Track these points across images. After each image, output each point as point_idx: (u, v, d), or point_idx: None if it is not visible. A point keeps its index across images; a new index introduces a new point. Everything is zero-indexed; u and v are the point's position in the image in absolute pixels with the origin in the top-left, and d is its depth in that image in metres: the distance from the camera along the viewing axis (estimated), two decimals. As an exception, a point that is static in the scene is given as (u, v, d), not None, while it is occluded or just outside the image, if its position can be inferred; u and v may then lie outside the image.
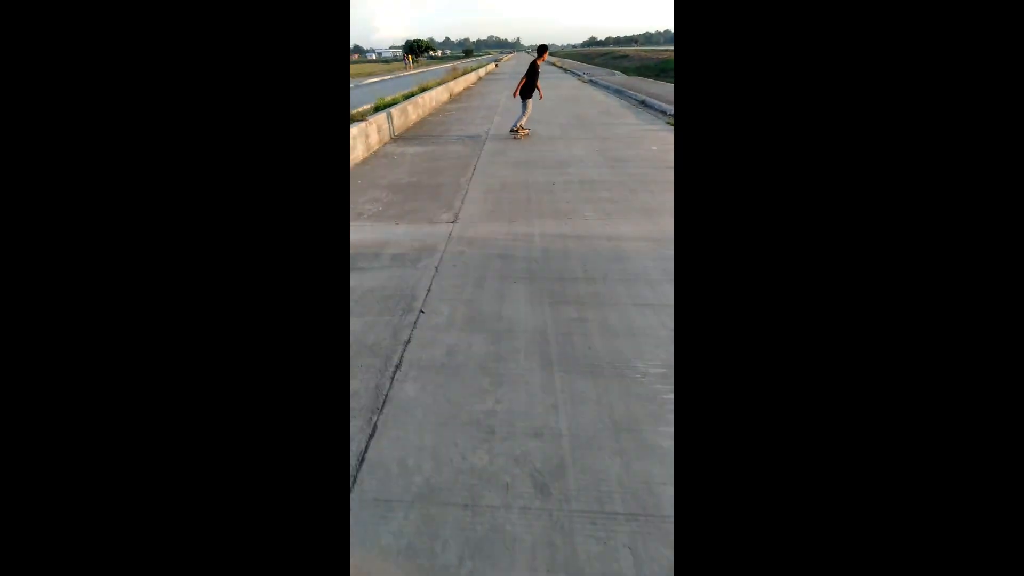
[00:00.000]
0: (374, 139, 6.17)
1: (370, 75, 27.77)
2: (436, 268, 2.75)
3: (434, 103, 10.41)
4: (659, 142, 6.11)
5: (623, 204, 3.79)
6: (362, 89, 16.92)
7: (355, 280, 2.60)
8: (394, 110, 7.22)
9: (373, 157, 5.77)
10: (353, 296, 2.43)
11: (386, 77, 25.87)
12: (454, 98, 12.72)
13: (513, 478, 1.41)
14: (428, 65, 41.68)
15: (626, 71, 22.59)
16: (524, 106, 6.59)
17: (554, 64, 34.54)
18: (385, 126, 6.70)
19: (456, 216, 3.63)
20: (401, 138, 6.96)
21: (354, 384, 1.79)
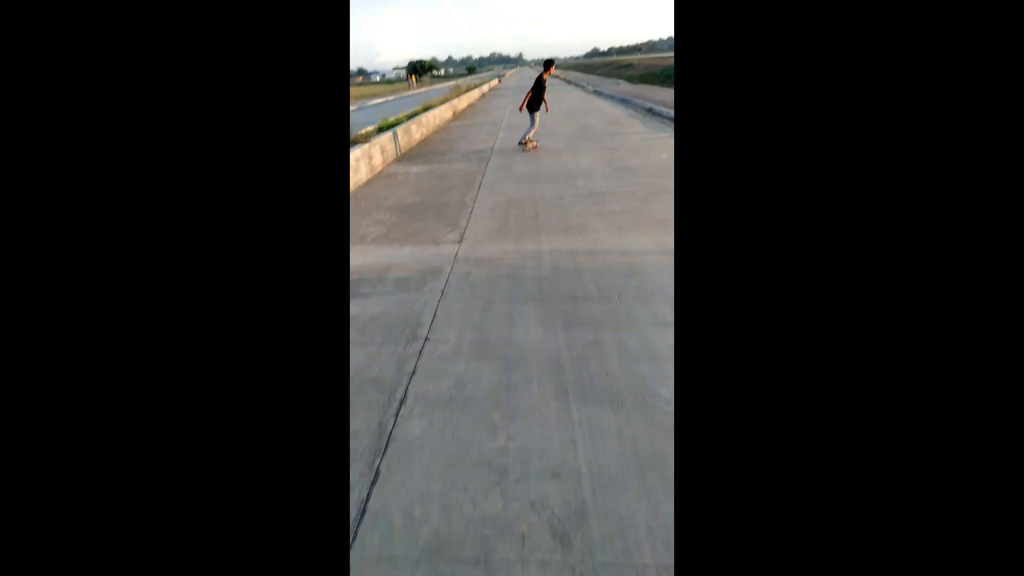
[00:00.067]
0: (378, 160, 6.18)
1: (373, 96, 28.31)
2: (442, 291, 2.65)
3: (438, 121, 10.47)
4: (669, 150, 5.99)
5: (635, 216, 3.67)
6: (366, 111, 17.19)
7: (357, 307, 2.51)
8: (398, 130, 7.25)
9: (377, 178, 5.75)
10: (355, 325, 2.33)
11: (390, 98, 26.36)
12: (458, 115, 12.82)
13: (529, 527, 1.28)
14: (431, 84, 42.45)
15: (631, 79, 22.63)
16: (532, 119, 6.65)
17: (557, 76, 34.79)
18: (389, 146, 6.72)
19: (462, 236, 3.55)
20: (405, 158, 6.96)
21: (355, 423, 1.68)
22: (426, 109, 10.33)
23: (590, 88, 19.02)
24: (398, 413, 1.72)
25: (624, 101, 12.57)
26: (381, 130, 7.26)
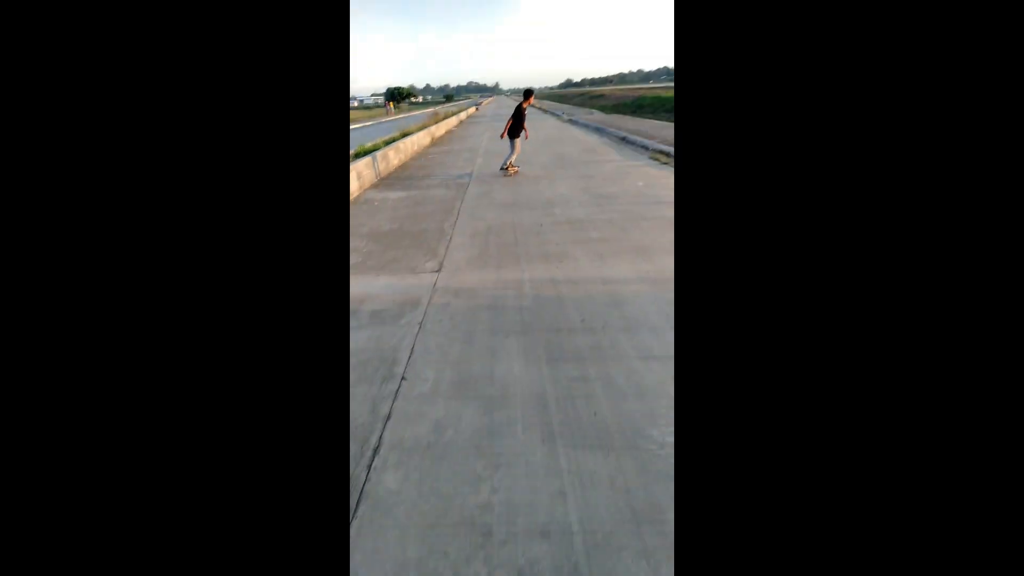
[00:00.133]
0: (355, 186, 6.07)
1: (352, 122, 28.40)
2: (420, 324, 2.52)
3: (416, 147, 10.49)
4: (644, 177, 6.11)
5: (615, 244, 3.66)
6: (345, 136, 17.09)
7: (330, 343, 2.35)
8: (376, 155, 7.18)
9: (353, 204, 5.63)
10: (327, 362, 2.17)
11: (367, 123, 26.42)
12: (436, 141, 12.90)
13: (518, 598, 1.14)
14: (410, 111, 42.93)
15: (603, 109, 23.45)
16: (512, 145, 6.79)
17: (533, 106, 35.83)
18: (366, 172, 6.63)
19: (440, 264, 3.45)
20: (383, 183, 6.88)
21: (324, 477, 1.51)
22: (404, 135, 10.35)
23: (565, 117, 19.58)
24: (371, 465, 1.57)
25: (598, 130, 12.94)
26: (358, 156, 7.19)
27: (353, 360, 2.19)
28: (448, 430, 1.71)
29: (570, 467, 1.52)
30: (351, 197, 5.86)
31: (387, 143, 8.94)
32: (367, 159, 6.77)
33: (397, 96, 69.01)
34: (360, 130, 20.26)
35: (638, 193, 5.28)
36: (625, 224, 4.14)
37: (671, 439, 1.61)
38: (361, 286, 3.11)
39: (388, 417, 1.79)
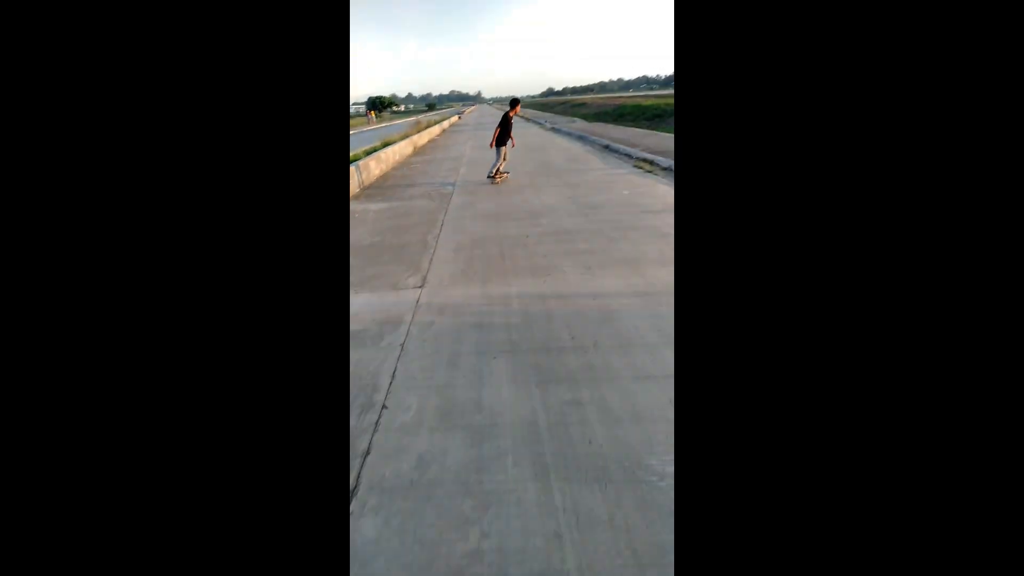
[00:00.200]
0: (335, 197, 5.89)
1: (335, 131, 28.02)
2: (402, 346, 2.39)
3: (398, 157, 10.36)
4: (629, 186, 6.09)
5: (603, 255, 3.59)
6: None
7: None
8: (356, 165, 7.03)
9: (334, 216, 5.46)
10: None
11: (349, 133, 26.22)
12: (418, 151, 12.78)
13: (513, 664, 1.02)
14: (391, 120, 42.75)
15: (586, 117, 23.68)
16: (498, 153, 6.84)
17: (518, 115, 35.98)
18: (347, 183, 6.47)
19: (424, 279, 3.32)
20: (364, 195, 6.73)
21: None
22: (386, 144, 10.21)
23: (548, 125, 19.68)
24: (348, 510, 1.43)
25: (581, 138, 13.00)
26: (338, 166, 7.00)
27: (330, 387, 2.05)
28: (433, 466, 1.58)
29: (566, 504, 1.40)
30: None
31: (368, 153, 8.79)
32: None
33: (379, 105, 68.76)
34: (341, 139, 19.98)
35: (624, 202, 5.25)
36: (613, 235, 4.08)
37: (671, 468, 1.51)
38: (340, 304, 2.96)
39: (367, 452, 1.66)
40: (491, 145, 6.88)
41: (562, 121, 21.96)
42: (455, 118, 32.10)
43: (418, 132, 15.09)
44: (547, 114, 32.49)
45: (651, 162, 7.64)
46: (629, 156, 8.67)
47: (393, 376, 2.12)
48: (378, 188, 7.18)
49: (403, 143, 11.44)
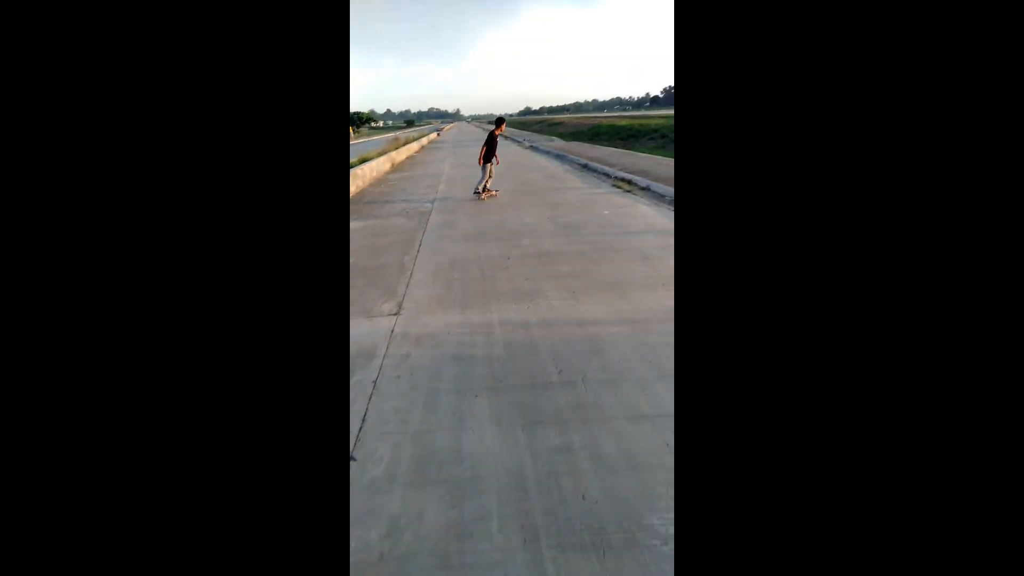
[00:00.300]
0: (308, 215, 5.65)
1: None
2: (374, 384, 2.19)
3: (375, 173, 10.16)
4: (609, 206, 6.07)
5: (586, 279, 3.48)
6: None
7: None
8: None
9: (306, 235, 5.21)
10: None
11: (328, 148, 25.76)
12: (396, 167, 12.61)
13: None
14: (370, 135, 42.49)
15: (562, 136, 24.05)
16: (483, 170, 6.96)
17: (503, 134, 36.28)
18: (321, 200, 6.22)
19: (400, 306, 3.13)
20: (339, 212, 6.48)
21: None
22: (363, 161, 10.01)
23: (526, 144, 19.85)
24: (305, 593, 1.21)
25: (560, 157, 13.10)
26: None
27: (292, 434, 1.83)
28: (406, 533, 1.38)
29: (559, 578, 1.23)
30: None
31: (344, 169, 8.57)
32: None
33: (357, 121, 68.48)
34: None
35: (605, 223, 5.20)
36: (596, 257, 3.99)
37: (672, 529, 1.36)
38: (307, 335, 2.73)
39: (331, 516, 1.45)
40: (479, 162, 7.01)
41: (540, 139, 22.22)
42: (434, 135, 32.13)
43: (396, 148, 14.94)
44: (525, 132, 32.91)
45: (629, 182, 7.69)
46: (607, 175, 8.72)
47: (364, 419, 1.92)
48: (354, 205, 6.95)
49: (381, 159, 11.26)
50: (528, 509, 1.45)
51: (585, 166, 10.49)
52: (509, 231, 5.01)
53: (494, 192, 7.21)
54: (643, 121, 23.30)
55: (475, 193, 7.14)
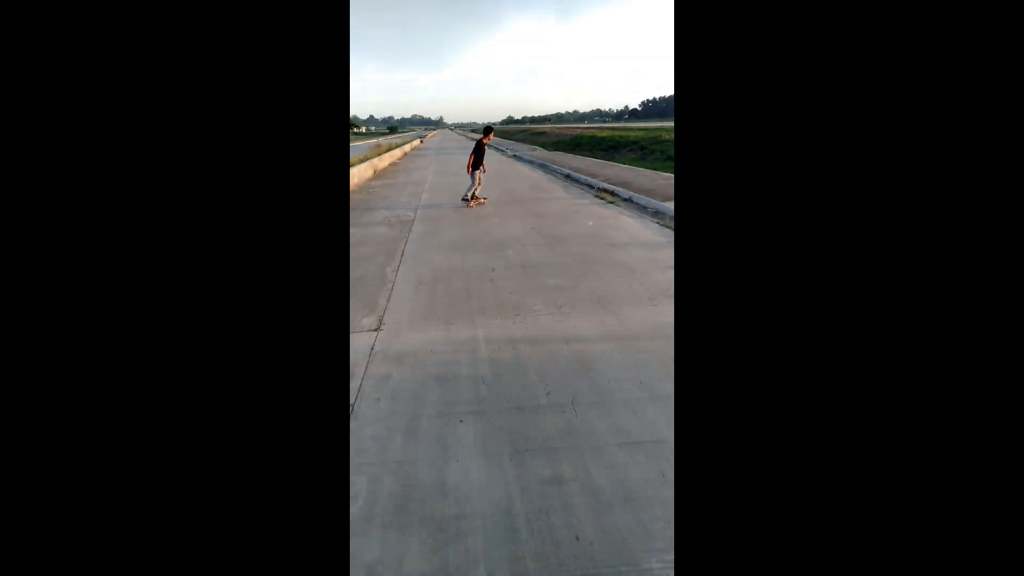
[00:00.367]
0: (284, 223, 5.45)
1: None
2: (352, 407, 2.05)
3: (357, 180, 9.96)
4: (593, 217, 6.05)
5: (573, 292, 3.41)
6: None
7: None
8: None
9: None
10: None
11: (307, 153, 25.26)
12: (379, 174, 12.42)
13: None
14: (353, 141, 42.01)
15: (545, 146, 24.21)
16: (472, 177, 7.01)
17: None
18: (298, 208, 6.02)
19: (380, 320, 2.99)
20: (318, 220, 6.28)
21: None
22: (343, 167, 9.78)
23: (509, 153, 19.88)
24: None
25: (543, 166, 13.13)
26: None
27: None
28: (385, 583, 1.26)
29: (553, 633, 1.13)
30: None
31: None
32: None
33: (338, 126, 67.55)
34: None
35: (590, 234, 5.16)
36: (582, 269, 3.93)
37: (672, 571, 1.27)
38: (280, 353, 2.57)
39: (301, 565, 1.31)
40: (467, 170, 7.09)
41: (523, 149, 22.31)
42: (417, 142, 31.96)
43: (379, 155, 14.74)
44: (508, 141, 33.03)
45: (612, 192, 7.72)
46: (590, 186, 8.75)
47: (339, 449, 1.78)
48: (333, 213, 6.75)
49: (363, 166, 11.06)
50: (518, 553, 1.34)
51: (568, 176, 10.53)
52: (493, 241, 4.92)
53: (483, 200, 7.22)
54: (623, 133, 23.66)
55: (463, 200, 7.16)
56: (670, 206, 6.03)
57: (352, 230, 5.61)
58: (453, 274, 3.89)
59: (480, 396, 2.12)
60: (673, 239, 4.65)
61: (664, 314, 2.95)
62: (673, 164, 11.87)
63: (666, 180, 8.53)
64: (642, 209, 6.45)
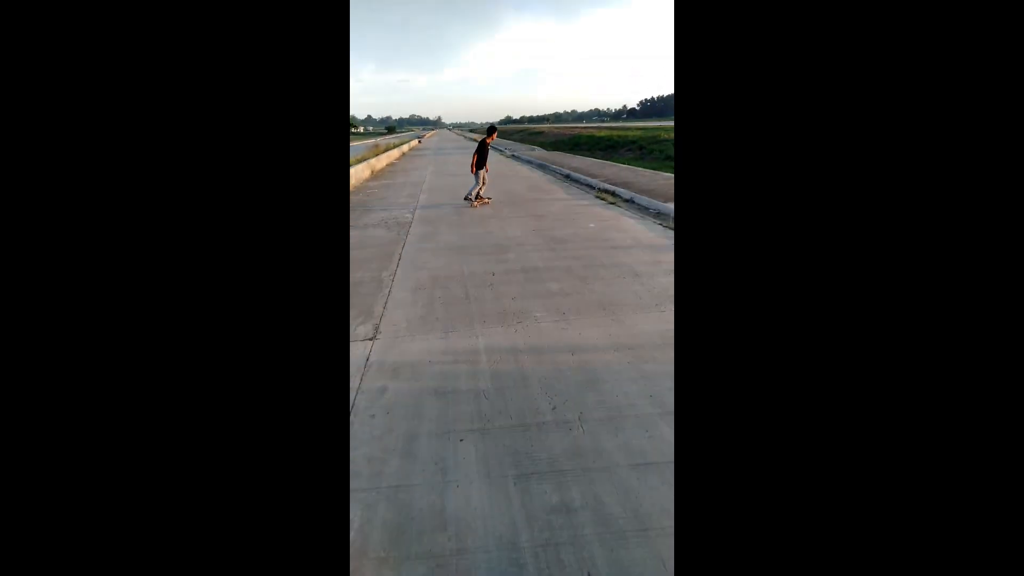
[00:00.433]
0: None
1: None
2: (345, 426, 1.93)
3: (353, 180, 9.83)
4: (595, 219, 5.94)
5: (577, 298, 3.29)
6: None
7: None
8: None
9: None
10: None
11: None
12: (376, 174, 12.29)
13: None
14: (351, 141, 41.87)
15: (543, 146, 24.10)
16: (476, 177, 6.98)
17: (475, 140, 36.15)
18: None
19: (377, 328, 2.87)
20: (313, 222, 6.16)
21: None
22: (340, 168, 9.64)
23: (508, 153, 19.75)
24: None
25: (542, 166, 13.01)
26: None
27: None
28: (379, 631, 1.14)
29: None
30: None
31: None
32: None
33: (336, 126, 67.36)
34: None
35: (591, 236, 5.05)
36: (584, 273, 3.81)
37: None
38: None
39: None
40: (471, 170, 7.06)
41: (522, 149, 22.19)
42: (415, 142, 31.79)
43: (376, 155, 14.60)
44: (507, 141, 32.88)
45: (613, 193, 7.60)
46: (591, 187, 8.64)
47: (331, 472, 1.66)
48: (329, 215, 6.62)
49: (360, 166, 10.93)
50: (525, 592, 1.22)
51: (568, 176, 10.41)
52: (493, 244, 4.80)
53: (487, 200, 7.15)
54: (621, 132, 23.57)
55: (466, 199, 7.09)
56: (672, 207, 5.92)
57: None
58: (452, 279, 3.77)
59: (481, 412, 2.00)
60: (677, 241, 4.55)
61: (671, 321, 2.84)
62: (671, 164, 11.77)
63: (666, 180, 8.42)
64: (644, 210, 6.34)
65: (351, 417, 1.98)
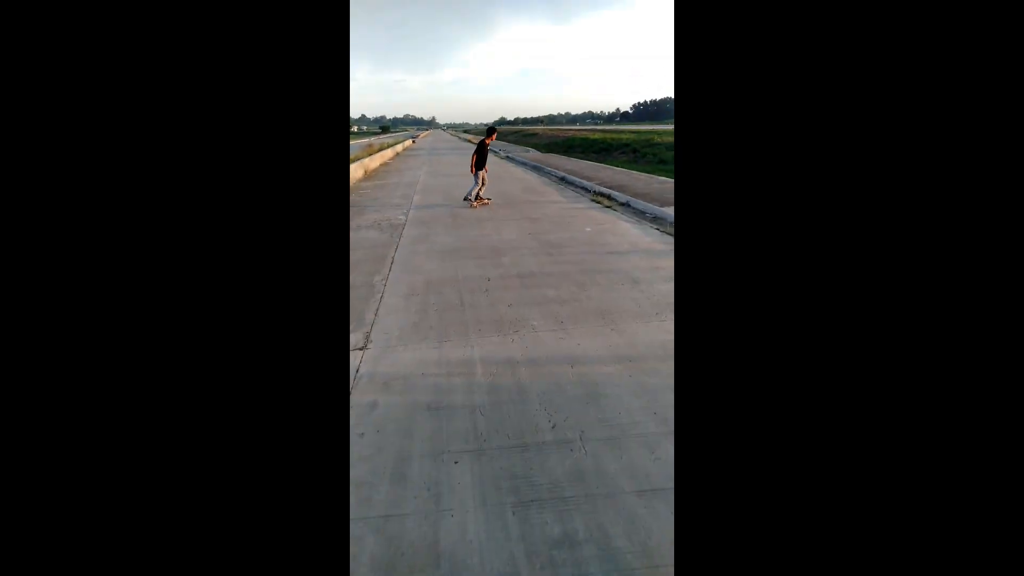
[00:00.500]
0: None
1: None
2: (332, 446, 1.81)
3: (346, 181, 9.66)
4: (591, 222, 5.85)
5: (574, 305, 3.19)
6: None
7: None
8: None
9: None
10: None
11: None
12: (369, 175, 12.12)
13: None
14: (343, 140, 41.40)
15: (538, 147, 24.03)
16: (476, 177, 6.97)
17: (470, 141, 36.05)
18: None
19: (368, 337, 2.75)
20: (304, 223, 6.01)
21: None
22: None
23: (502, 154, 19.63)
24: None
25: (537, 168, 12.93)
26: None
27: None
28: None
29: None
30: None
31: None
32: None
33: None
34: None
35: (588, 241, 4.96)
36: (582, 279, 3.72)
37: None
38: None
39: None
40: (471, 171, 7.05)
41: (516, 150, 22.09)
42: (409, 142, 31.60)
43: (370, 155, 14.43)
44: (501, 142, 32.73)
45: (608, 196, 7.53)
46: (586, 189, 8.57)
47: (315, 499, 1.54)
48: (320, 216, 6.47)
49: (353, 166, 10.76)
50: (526, 640, 1.11)
51: (563, 179, 10.33)
52: (489, 248, 4.69)
53: (487, 200, 7.12)
54: (615, 135, 23.57)
55: (466, 200, 7.06)
56: (669, 211, 5.86)
57: (339, 234, 5.34)
58: (446, 284, 3.65)
59: (477, 430, 1.89)
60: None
61: (672, 331, 2.75)
62: (666, 167, 11.75)
63: (661, 184, 8.37)
64: (640, 214, 6.27)
65: (338, 436, 1.86)
